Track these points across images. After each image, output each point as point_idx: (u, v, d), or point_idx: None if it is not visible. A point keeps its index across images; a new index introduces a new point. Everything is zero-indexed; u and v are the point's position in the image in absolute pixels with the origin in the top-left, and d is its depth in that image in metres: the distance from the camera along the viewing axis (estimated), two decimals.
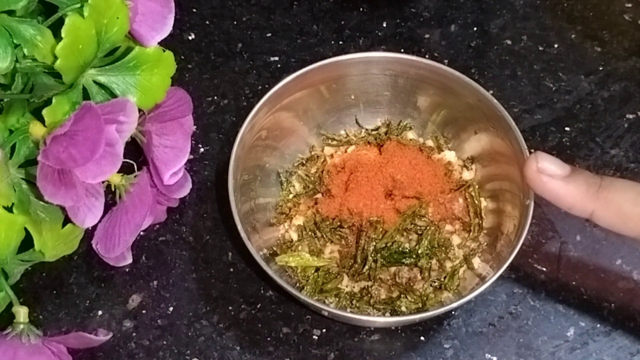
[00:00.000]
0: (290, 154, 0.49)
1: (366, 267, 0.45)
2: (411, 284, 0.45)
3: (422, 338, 0.45)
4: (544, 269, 0.47)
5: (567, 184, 0.38)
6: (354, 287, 0.45)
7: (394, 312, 0.44)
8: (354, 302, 0.44)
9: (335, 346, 0.45)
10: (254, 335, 0.45)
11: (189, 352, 0.44)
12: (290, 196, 0.48)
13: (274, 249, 0.46)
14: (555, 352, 0.44)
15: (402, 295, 0.44)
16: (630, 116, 0.52)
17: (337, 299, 0.44)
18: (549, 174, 0.38)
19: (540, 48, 0.55)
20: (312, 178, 0.48)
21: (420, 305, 0.44)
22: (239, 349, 0.44)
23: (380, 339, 0.45)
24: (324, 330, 0.45)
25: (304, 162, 0.49)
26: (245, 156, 0.45)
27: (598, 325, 0.45)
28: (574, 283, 0.46)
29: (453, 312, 0.45)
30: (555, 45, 0.55)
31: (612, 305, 0.46)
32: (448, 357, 0.44)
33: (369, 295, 0.44)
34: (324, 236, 0.46)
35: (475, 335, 0.45)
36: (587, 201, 0.37)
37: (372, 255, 0.45)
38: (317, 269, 0.45)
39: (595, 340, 0.45)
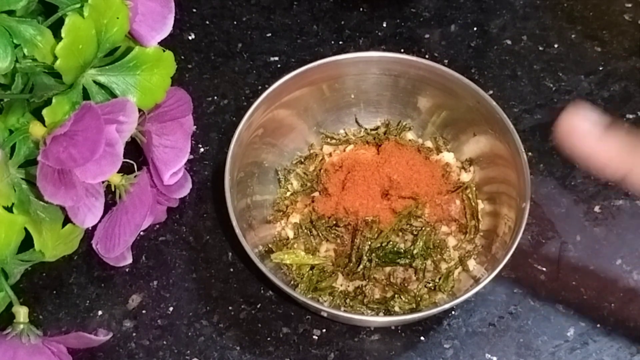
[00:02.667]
0: (289, 151, 0.49)
1: (361, 266, 0.45)
2: (406, 285, 0.45)
3: (422, 338, 0.45)
4: (544, 269, 0.47)
5: (606, 139, 0.34)
6: (348, 286, 0.45)
7: (388, 312, 0.44)
8: (347, 301, 0.44)
9: (335, 346, 0.45)
10: (254, 335, 0.45)
11: (189, 352, 0.44)
12: (288, 194, 0.48)
13: (270, 246, 0.46)
14: (555, 352, 0.44)
15: (396, 296, 0.44)
16: (630, 116, 0.52)
17: (331, 298, 0.44)
18: (587, 129, 0.34)
19: (540, 48, 0.55)
20: (310, 176, 0.48)
21: (414, 305, 0.44)
22: (239, 349, 0.44)
23: (380, 338, 0.45)
24: (324, 330, 0.45)
25: (303, 160, 0.49)
26: (242, 153, 0.45)
27: (598, 325, 0.45)
28: (574, 283, 0.46)
29: (453, 312, 0.45)
30: (555, 45, 0.55)
31: (612, 305, 0.45)
32: (448, 357, 0.44)
33: (363, 294, 0.44)
34: (320, 234, 0.46)
35: (475, 335, 0.45)
36: (624, 159, 0.34)
37: (367, 254, 0.45)
38: (312, 267, 0.45)
39: (595, 340, 0.45)
